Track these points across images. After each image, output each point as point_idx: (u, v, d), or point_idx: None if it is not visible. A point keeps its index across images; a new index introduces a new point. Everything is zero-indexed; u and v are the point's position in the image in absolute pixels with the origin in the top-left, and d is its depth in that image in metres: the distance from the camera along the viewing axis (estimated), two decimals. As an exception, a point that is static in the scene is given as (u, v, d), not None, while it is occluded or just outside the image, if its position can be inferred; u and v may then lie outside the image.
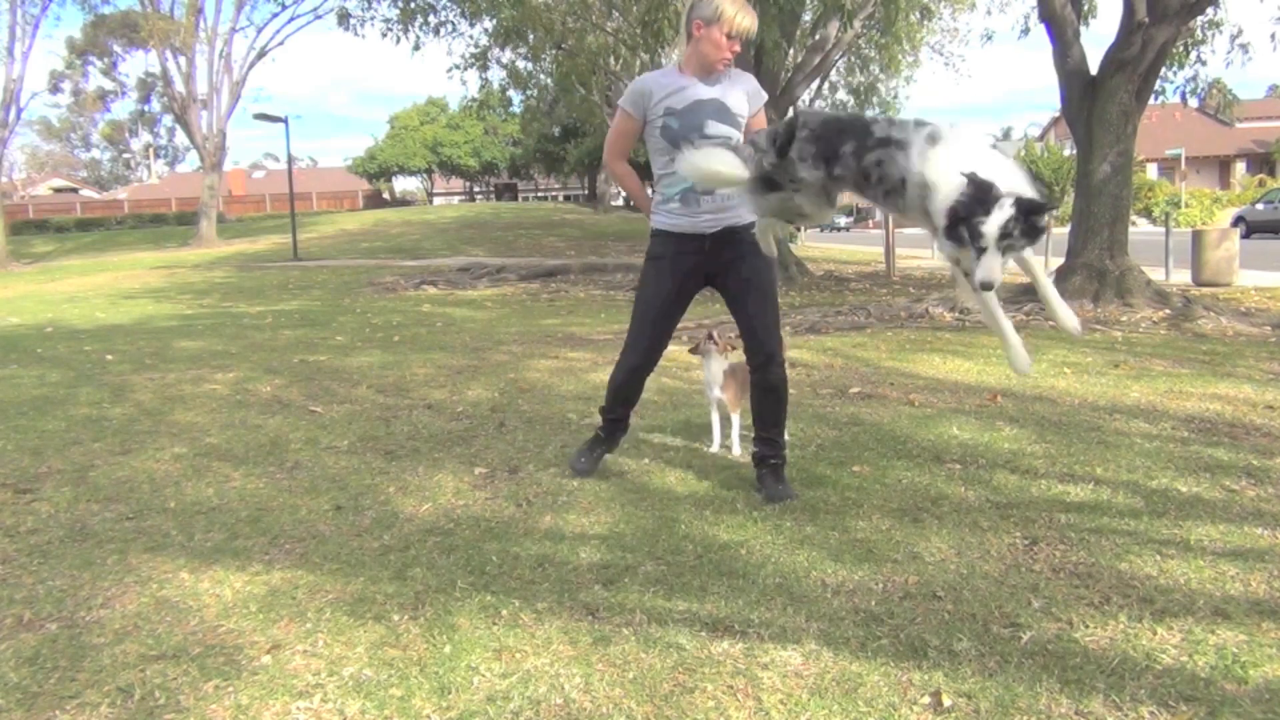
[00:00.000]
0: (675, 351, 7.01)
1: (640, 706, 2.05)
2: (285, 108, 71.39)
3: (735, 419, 3.97)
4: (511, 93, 19.08)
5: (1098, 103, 9.03)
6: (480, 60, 18.31)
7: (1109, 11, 11.09)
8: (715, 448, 3.99)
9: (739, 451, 3.91)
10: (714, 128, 3.28)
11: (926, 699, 2.04)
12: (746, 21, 3.24)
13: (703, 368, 3.95)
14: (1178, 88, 10.98)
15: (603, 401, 3.78)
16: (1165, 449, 3.93)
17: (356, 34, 20.19)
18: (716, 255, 3.38)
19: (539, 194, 67.26)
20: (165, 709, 2.09)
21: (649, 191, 3.62)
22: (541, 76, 21.20)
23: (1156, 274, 10.89)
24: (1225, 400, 4.82)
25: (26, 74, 37.15)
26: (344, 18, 17.55)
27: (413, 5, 16.59)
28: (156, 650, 2.36)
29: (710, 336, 3.96)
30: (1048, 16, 9.39)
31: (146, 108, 43.70)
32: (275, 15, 35.13)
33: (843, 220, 64.00)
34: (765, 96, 3.49)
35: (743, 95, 3.38)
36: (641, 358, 3.57)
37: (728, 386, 3.91)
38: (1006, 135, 64.65)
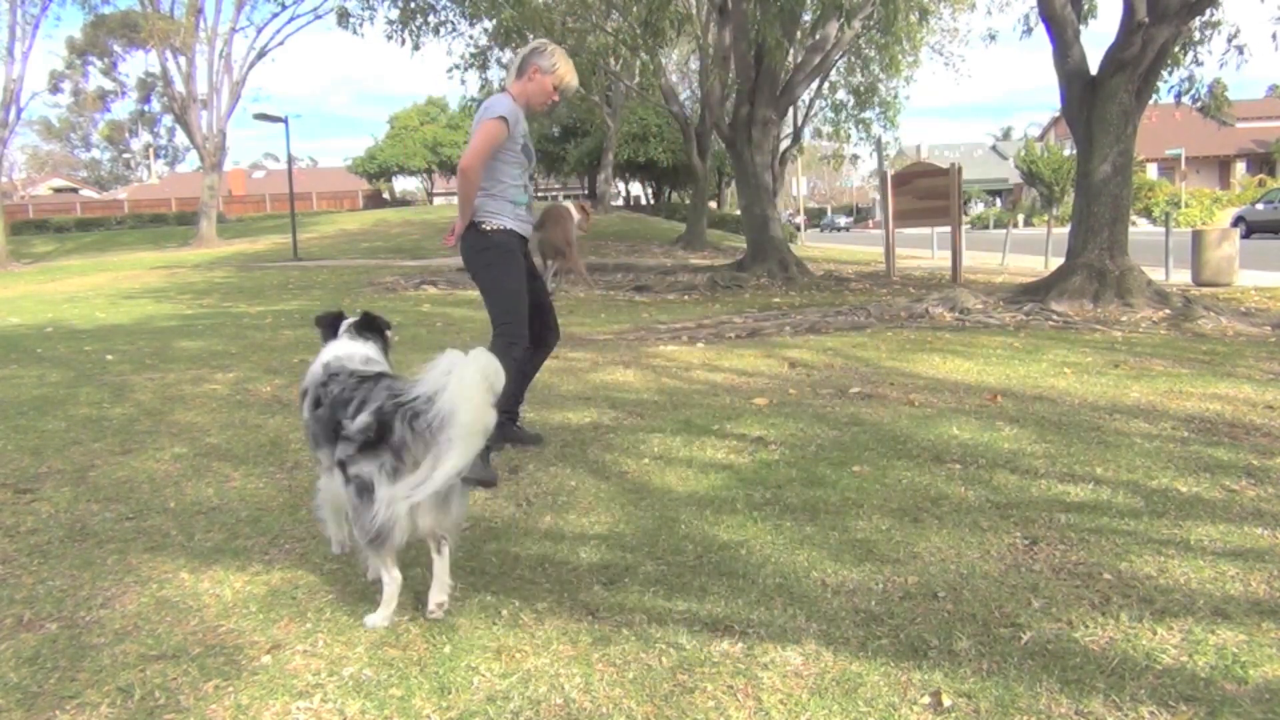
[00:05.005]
0: (676, 352, 7.02)
1: (640, 706, 2.05)
2: (285, 108, 71.43)
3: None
4: (511, 93, 19.09)
5: (1098, 103, 9.03)
6: (480, 60, 18.32)
7: (1109, 11, 11.07)
8: None
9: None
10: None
11: (926, 699, 2.04)
12: (572, 82, 3.97)
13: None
14: (1172, 88, 10.97)
15: (508, 401, 3.86)
16: (1165, 449, 3.93)
17: (356, 33, 20.19)
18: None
19: (539, 194, 67.06)
20: (165, 709, 2.10)
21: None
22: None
23: (1156, 274, 10.89)
24: (1225, 400, 4.82)
25: (26, 74, 37.07)
26: (344, 17, 17.54)
27: (413, 5, 16.59)
28: (156, 650, 2.36)
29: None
30: (1048, 16, 9.39)
31: (146, 108, 43.83)
32: (275, 15, 35.02)
33: (843, 220, 64.26)
34: None
35: None
36: (528, 338, 4.00)
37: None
38: (1006, 135, 64.83)
